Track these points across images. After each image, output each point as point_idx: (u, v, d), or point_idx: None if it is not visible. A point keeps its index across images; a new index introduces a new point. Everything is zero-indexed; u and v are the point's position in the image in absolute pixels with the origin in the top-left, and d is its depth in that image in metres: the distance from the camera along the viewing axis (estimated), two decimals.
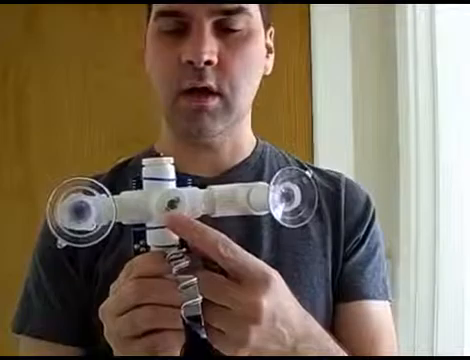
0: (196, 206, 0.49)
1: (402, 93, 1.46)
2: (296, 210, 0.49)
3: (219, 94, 0.65)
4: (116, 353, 0.50)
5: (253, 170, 0.75)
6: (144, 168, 0.49)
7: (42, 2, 1.53)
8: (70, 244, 0.45)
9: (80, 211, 0.45)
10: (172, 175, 0.50)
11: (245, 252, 0.49)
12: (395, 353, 0.74)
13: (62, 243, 0.46)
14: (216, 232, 0.48)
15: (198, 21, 0.63)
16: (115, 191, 0.78)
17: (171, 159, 0.50)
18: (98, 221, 0.46)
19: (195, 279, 0.46)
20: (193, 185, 0.50)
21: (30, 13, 1.57)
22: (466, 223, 1.39)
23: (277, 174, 0.48)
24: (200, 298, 0.46)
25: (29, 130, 1.58)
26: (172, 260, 0.47)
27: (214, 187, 0.50)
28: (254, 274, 0.48)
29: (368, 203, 0.77)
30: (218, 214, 0.50)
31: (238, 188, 0.50)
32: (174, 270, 0.46)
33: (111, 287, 0.50)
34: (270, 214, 0.48)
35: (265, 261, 0.68)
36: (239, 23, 0.65)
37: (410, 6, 1.42)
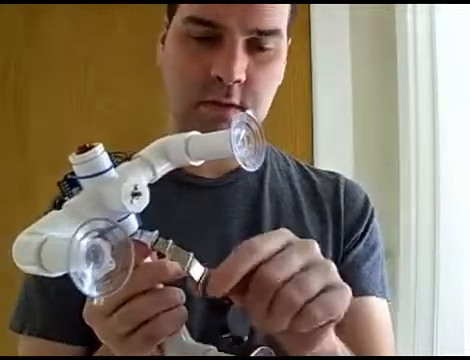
0: (144, 183, 0.44)
1: (402, 93, 1.46)
2: (252, 152, 0.47)
3: (241, 108, 0.65)
4: (115, 351, 0.49)
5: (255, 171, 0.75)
6: (76, 167, 0.44)
7: (42, 2, 1.53)
8: (106, 295, 0.39)
9: (96, 256, 0.37)
10: (109, 163, 0.44)
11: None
12: (393, 352, 0.74)
13: (101, 299, 0.40)
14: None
15: (232, 36, 0.62)
16: None
17: (101, 146, 0.43)
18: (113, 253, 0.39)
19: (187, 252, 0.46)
20: (119, 158, 0.46)
21: (30, 13, 1.57)
22: (466, 223, 1.39)
23: (235, 121, 0.45)
24: (191, 254, 0.46)
25: (29, 130, 1.58)
26: (156, 242, 0.46)
27: (143, 152, 0.47)
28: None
29: (367, 201, 0.77)
30: (159, 175, 0.47)
31: (168, 143, 0.48)
32: (166, 249, 0.46)
33: None
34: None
35: None
36: (270, 43, 0.65)
37: (410, 6, 1.42)
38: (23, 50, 1.58)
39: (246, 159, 0.45)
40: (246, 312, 0.46)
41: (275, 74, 0.69)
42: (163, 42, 0.72)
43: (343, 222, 0.74)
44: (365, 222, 0.75)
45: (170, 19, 0.69)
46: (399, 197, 1.46)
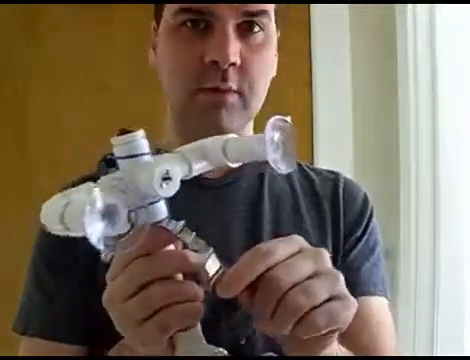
0: (177, 172, 0.46)
1: (402, 93, 1.46)
2: (286, 156, 0.47)
3: (238, 93, 0.67)
4: (129, 340, 0.49)
5: (255, 169, 0.76)
6: (115, 148, 0.46)
7: (42, 2, 1.53)
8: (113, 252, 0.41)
9: (111, 215, 0.40)
10: (147, 149, 0.46)
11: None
12: (395, 349, 0.74)
13: (108, 254, 0.42)
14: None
15: (223, 22, 0.64)
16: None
17: (142, 131, 0.47)
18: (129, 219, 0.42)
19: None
20: (158, 151, 0.48)
21: (30, 13, 1.57)
22: (466, 223, 1.39)
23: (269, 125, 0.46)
24: (211, 248, 0.47)
25: (29, 130, 1.58)
26: (181, 231, 0.47)
27: (182, 148, 0.49)
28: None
29: (366, 201, 0.77)
30: (195, 172, 0.48)
31: (207, 144, 0.49)
32: (190, 240, 0.47)
33: (107, 276, 0.48)
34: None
35: None
36: (260, 25, 0.66)
37: (410, 6, 1.42)
38: (23, 50, 1.58)
39: (279, 162, 0.46)
40: (250, 315, 0.47)
41: (268, 59, 0.69)
42: (153, 48, 0.73)
43: (342, 221, 0.74)
44: (365, 221, 0.76)
45: (158, 22, 0.70)
46: (399, 197, 1.46)
